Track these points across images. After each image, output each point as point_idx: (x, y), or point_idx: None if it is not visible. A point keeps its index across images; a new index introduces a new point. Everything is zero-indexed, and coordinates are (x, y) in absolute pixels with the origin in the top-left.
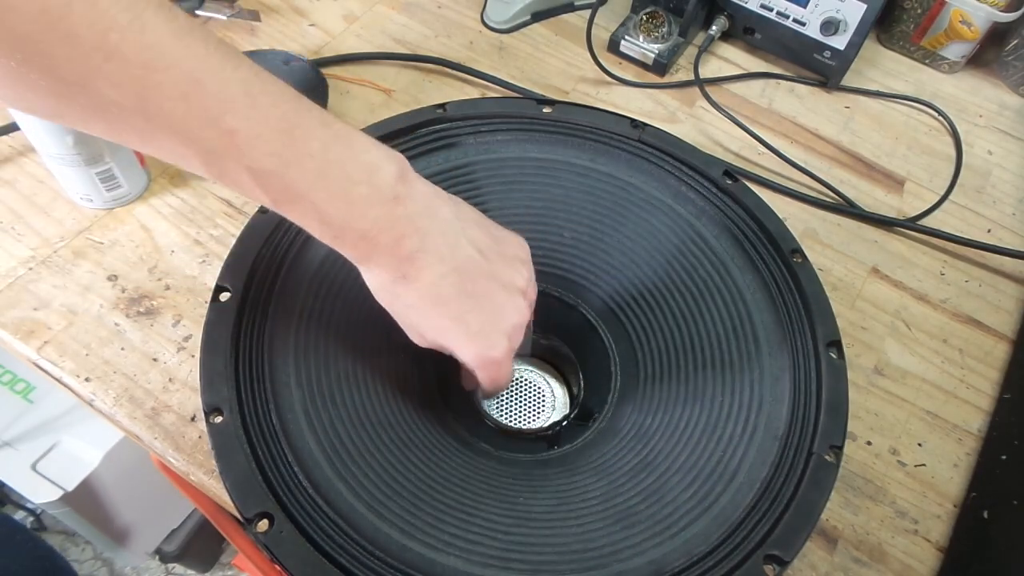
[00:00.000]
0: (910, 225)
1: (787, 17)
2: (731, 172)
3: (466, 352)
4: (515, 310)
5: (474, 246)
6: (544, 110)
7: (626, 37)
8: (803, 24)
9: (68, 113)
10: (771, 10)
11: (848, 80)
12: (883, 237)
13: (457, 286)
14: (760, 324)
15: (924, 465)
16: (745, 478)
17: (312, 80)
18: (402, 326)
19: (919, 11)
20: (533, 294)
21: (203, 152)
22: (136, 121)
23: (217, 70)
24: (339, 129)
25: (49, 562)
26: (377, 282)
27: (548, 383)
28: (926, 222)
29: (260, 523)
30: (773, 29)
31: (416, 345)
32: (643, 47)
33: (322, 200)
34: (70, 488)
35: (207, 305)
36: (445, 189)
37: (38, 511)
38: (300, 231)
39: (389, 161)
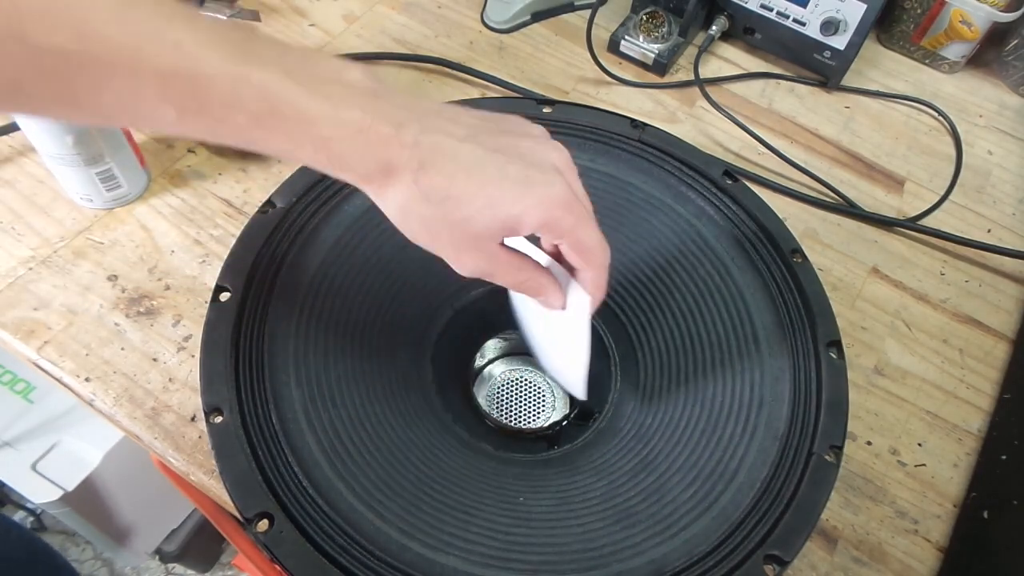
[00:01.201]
0: (910, 225)
1: (787, 17)
2: (731, 172)
3: (528, 207)
4: (552, 148)
5: (475, 118)
6: (544, 110)
7: (626, 37)
8: (803, 24)
9: (17, 76)
10: (771, 10)
11: (848, 80)
12: (883, 237)
13: (480, 146)
14: (760, 324)
15: (924, 465)
16: (745, 478)
17: None
18: (445, 250)
19: (919, 11)
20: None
21: (158, 81)
22: (83, 69)
23: None
24: (290, 45)
25: (49, 561)
26: (399, 200)
27: (548, 383)
28: (926, 222)
29: (260, 523)
30: (773, 29)
31: (459, 277)
32: (643, 47)
33: (301, 98)
34: (70, 488)
35: (207, 305)
36: None
37: (38, 511)
38: (300, 231)
39: (351, 64)
